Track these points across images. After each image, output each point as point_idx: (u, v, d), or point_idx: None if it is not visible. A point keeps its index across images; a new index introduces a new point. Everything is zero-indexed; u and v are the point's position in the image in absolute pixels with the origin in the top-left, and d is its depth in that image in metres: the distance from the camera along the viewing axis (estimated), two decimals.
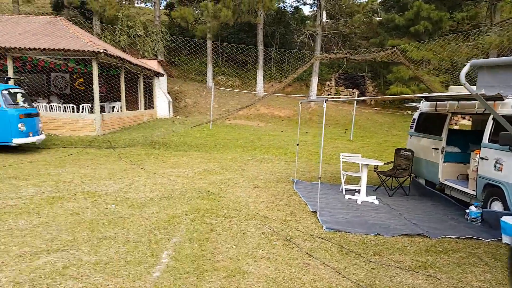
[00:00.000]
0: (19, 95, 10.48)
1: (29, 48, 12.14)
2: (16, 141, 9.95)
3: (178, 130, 16.12)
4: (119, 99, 17.98)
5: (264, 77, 26.81)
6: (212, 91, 19.58)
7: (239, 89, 26.50)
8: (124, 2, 25.65)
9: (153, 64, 20.74)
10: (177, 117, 22.84)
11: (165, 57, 26.60)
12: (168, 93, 23.14)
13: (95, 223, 5.17)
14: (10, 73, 12.88)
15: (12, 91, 10.34)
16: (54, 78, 19.61)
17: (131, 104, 19.48)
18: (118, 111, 16.77)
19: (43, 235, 4.69)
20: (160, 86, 22.23)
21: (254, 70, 27.91)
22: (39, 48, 12.12)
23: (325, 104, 5.60)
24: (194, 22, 26.12)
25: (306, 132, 18.20)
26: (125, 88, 17.00)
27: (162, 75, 22.05)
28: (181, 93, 25.87)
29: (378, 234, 5.25)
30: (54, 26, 15.05)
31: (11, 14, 19.05)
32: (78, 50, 12.15)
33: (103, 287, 3.50)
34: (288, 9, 32.87)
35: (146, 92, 21.13)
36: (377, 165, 7.47)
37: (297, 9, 32.99)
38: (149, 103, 21.79)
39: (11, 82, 11.73)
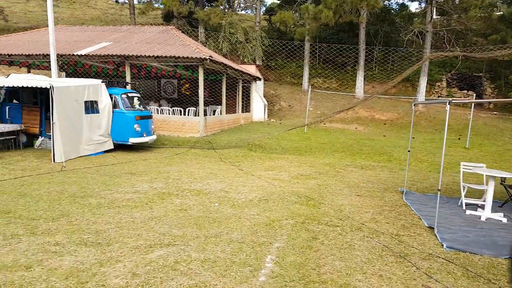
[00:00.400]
0: (135, 99, 11.56)
1: (144, 55, 13.36)
2: (132, 140, 10.96)
3: (275, 133, 16.21)
4: (219, 103, 18.83)
5: (364, 78, 25.68)
6: (308, 94, 19.31)
7: (336, 91, 25.76)
8: (227, 10, 27.01)
9: (251, 69, 21.32)
10: (272, 120, 23.09)
11: (262, 61, 27.23)
12: (263, 96, 23.57)
13: (201, 220, 5.32)
14: (128, 78, 14.32)
15: (130, 95, 11.45)
16: (164, 84, 21.41)
17: (230, 108, 20.28)
18: (219, 114, 17.56)
19: (155, 229, 4.95)
20: (257, 90, 22.75)
21: (353, 71, 26.89)
22: (152, 56, 13.26)
23: (448, 106, 4.94)
24: (292, 26, 26.26)
25: (413, 137, 16.79)
26: (225, 93, 17.72)
27: (260, 79, 22.54)
28: (276, 96, 26.15)
29: (511, 258, 4.43)
30: (166, 34, 16.38)
31: (128, 25, 21.38)
32: (187, 57, 12.96)
33: (212, 287, 3.50)
34: (393, 7, 31.14)
35: (244, 96, 21.80)
36: (505, 178, 6.41)
37: (403, 6, 31.05)
38: (246, 107, 22.45)
39: (128, 87, 13.01)
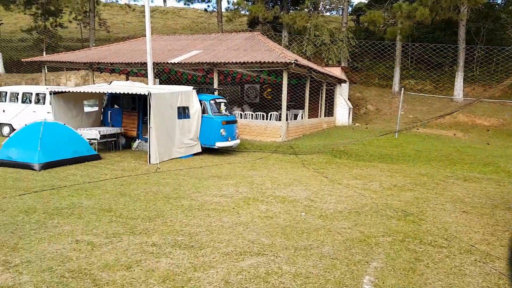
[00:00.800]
0: (222, 104, 11.88)
1: (232, 62, 13.72)
2: (218, 144, 11.26)
3: (362, 139, 15.43)
4: (301, 107, 18.62)
5: (464, 79, 23.33)
6: (400, 96, 17.98)
7: (431, 93, 23.77)
8: (312, 12, 26.74)
9: (336, 71, 20.72)
10: (357, 124, 22.16)
11: (348, 63, 26.33)
12: (348, 99, 22.73)
13: (289, 230, 5.14)
14: (215, 85, 14.83)
15: (217, 100, 11.82)
16: (247, 89, 21.86)
17: (311, 112, 19.89)
18: (301, 118, 17.33)
19: (244, 235, 4.90)
20: (342, 93, 22.03)
21: (451, 72, 24.62)
22: (239, 62, 13.55)
23: None
24: (382, 25, 25.01)
25: None
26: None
27: (345, 81, 21.80)
28: (362, 99, 25.06)
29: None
30: (252, 41, 16.66)
31: (217, 33, 22.26)
32: (272, 62, 13.00)
33: None
34: (498, 1, 27.98)
35: (327, 99, 21.25)
36: None
37: (509, 1, 27.67)
38: (329, 110, 21.86)
39: (216, 93, 13.44)
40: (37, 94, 13.31)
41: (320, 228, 5.27)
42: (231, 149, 12.34)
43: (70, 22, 32.24)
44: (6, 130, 13.63)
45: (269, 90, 21.05)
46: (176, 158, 10.50)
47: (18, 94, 13.63)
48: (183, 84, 17.50)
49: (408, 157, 12.02)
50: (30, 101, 13.32)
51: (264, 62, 13.10)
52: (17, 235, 4.61)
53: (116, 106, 12.30)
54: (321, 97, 19.84)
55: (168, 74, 18.77)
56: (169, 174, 8.58)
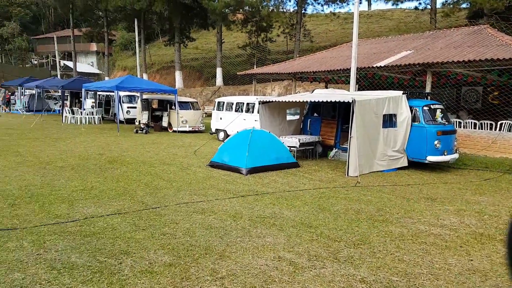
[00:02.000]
0: (438, 111, 10.09)
1: (452, 61, 11.56)
2: (430, 158, 9.55)
3: None
4: None
5: None
6: None
7: None
8: None
9: None
10: None
11: None
12: None
13: None
14: (428, 88, 12.88)
15: (432, 107, 10.11)
16: (465, 92, 18.43)
17: None
18: None
19: None
20: None
21: None
22: (462, 61, 11.28)
23: None
24: None
25: None
26: None
27: None
28: None
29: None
30: (478, 35, 13.79)
31: (430, 31, 19.67)
32: (510, 59, 10.26)
33: None
34: None
35: None
36: None
37: None
38: None
39: (429, 98, 11.63)
40: (248, 104, 14.57)
41: None
42: (445, 165, 10.38)
43: (278, 36, 35.31)
44: (221, 135, 15.51)
45: (496, 93, 17.13)
46: (377, 171, 9.44)
47: (232, 103, 15.30)
48: (387, 89, 16.12)
49: None
50: (242, 110, 14.70)
51: (498, 60, 10.46)
52: (225, 241, 4.66)
53: (315, 114, 12.21)
54: None
55: (370, 79, 17.76)
56: (370, 190, 7.67)
